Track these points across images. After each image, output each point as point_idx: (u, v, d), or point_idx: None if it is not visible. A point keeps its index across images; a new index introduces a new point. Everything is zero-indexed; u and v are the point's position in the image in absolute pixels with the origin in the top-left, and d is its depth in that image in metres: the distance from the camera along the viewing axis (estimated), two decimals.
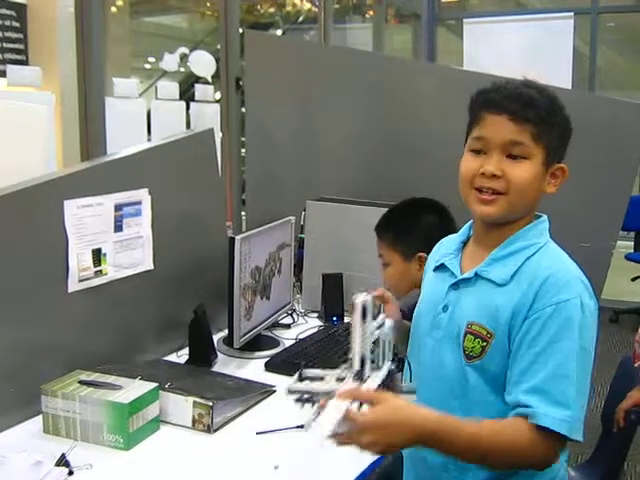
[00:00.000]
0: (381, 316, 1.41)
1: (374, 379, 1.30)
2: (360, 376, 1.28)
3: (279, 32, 8.46)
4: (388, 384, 1.33)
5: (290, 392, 1.28)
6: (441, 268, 1.46)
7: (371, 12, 6.58)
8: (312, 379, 1.33)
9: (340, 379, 1.29)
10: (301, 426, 1.18)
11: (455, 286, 1.40)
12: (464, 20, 5.21)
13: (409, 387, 1.36)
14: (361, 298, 1.28)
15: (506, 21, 5.15)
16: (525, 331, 1.27)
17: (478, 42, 5.22)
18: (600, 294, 2.73)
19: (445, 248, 1.50)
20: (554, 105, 1.33)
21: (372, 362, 1.34)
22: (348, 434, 1.15)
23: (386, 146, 2.95)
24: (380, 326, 1.38)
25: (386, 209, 2.39)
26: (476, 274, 1.36)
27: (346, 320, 2.63)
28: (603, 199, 2.68)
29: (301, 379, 1.32)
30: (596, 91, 5.70)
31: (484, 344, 1.31)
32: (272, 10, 8.80)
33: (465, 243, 1.46)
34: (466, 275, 1.38)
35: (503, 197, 1.31)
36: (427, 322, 1.44)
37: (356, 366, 1.28)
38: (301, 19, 8.18)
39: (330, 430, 1.12)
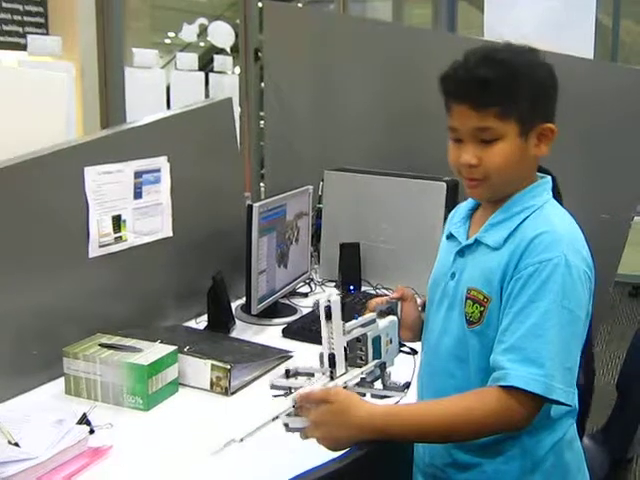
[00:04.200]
0: (369, 315, 1.44)
1: (349, 376, 1.34)
2: (331, 374, 1.33)
3: (299, 5, 8.42)
4: (370, 381, 1.36)
5: (273, 387, 1.34)
6: (451, 237, 1.48)
7: None
8: (302, 374, 1.38)
9: (327, 375, 1.35)
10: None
11: (461, 253, 1.40)
12: None
13: (394, 385, 1.39)
14: (324, 300, 1.32)
15: None
16: (509, 291, 1.26)
17: (499, 14, 5.17)
18: (617, 267, 2.73)
19: (456, 216, 1.51)
20: (516, 74, 1.27)
21: (360, 359, 1.38)
22: (305, 429, 1.25)
23: (404, 116, 2.95)
24: (367, 324, 1.41)
25: (403, 179, 2.39)
26: (476, 240, 1.37)
27: (363, 289, 2.65)
28: (623, 170, 2.67)
29: (288, 375, 1.37)
30: (618, 63, 5.64)
31: (482, 309, 1.31)
32: None
33: (475, 210, 1.47)
34: (468, 242, 1.39)
35: (484, 182, 1.32)
36: (438, 291, 1.45)
37: (325, 365, 1.33)
38: None
39: (283, 422, 1.24)
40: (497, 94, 1.26)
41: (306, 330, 2.20)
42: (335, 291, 2.67)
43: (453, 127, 1.33)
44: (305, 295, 2.63)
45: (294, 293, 2.59)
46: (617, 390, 2.16)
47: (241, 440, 1.17)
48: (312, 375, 1.38)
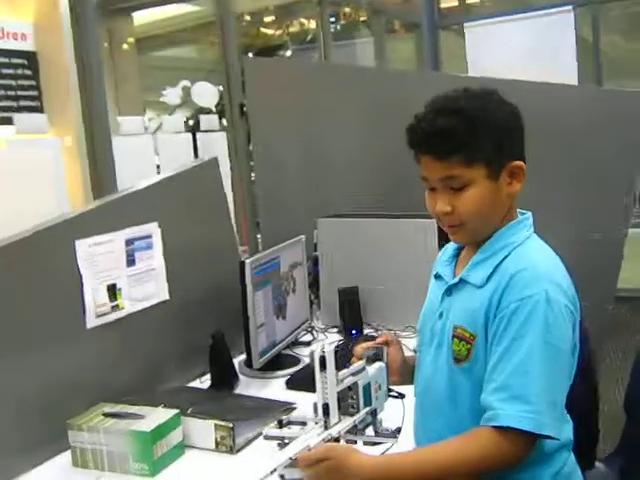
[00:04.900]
0: (359, 363, 1.46)
1: (343, 424, 1.36)
2: (325, 424, 1.35)
3: (288, 53, 8.54)
4: (362, 428, 1.38)
5: (266, 438, 1.36)
6: (439, 276, 1.50)
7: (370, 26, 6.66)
8: (295, 424, 1.40)
9: (320, 425, 1.37)
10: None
11: (448, 292, 1.43)
12: (465, 24, 5.21)
13: (385, 432, 1.41)
14: (319, 350, 1.35)
15: (507, 21, 5.15)
16: (494, 329, 1.29)
17: (481, 45, 5.23)
18: (616, 283, 2.74)
19: (444, 256, 1.53)
20: (474, 121, 1.30)
21: (352, 407, 1.40)
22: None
23: (392, 158, 2.98)
24: (357, 372, 1.43)
25: (394, 220, 2.40)
26: (461, 279, 1.40)
27: (365, 332, 2.67)
28: (611, 188, 2.69)
29: (281, 425, 1.40)
30: (605, 81, 5.66)
31: (468, 346, 1.33)
32: (279, 32, 8.89)
33: (461, 249, 1.49)
34: (454, 281, 1.42)
35: (462, 227, 1.36)
36: (427, 331, 1.47)
37: (319, 414, 1.35)
38: (309, 38, 8.25)
39: (279, 473, 1.27)
40: (458, 143, 1.29)
41: (310, 380, 2.20)
42: (336, 337, 2.68)
43: (424, 177, 1.36)
44: (307, 344, 2.64)
45: (296, 343, 2.61)
46: (625, 412, 2.14)
47: None
48: (305, 424, 1.40)
